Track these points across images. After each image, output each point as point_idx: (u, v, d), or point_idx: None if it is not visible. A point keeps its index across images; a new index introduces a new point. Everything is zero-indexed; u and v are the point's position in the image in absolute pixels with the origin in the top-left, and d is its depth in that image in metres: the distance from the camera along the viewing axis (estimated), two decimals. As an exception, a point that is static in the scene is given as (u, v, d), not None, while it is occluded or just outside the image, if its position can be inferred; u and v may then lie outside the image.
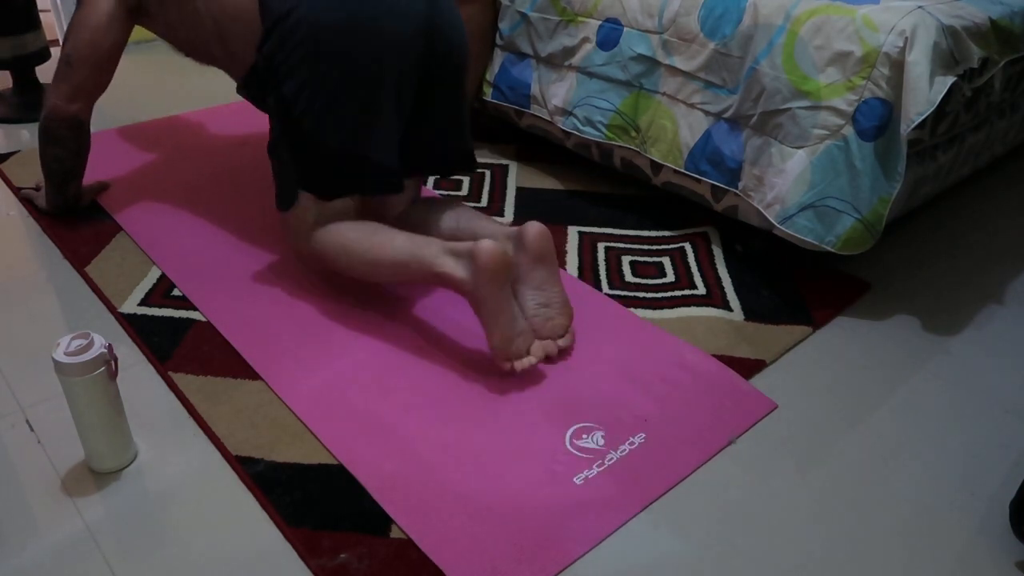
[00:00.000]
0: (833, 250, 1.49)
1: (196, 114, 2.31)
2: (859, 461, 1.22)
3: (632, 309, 1.52)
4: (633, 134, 1.78)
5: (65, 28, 2.16)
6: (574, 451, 1.20)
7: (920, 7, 1.42)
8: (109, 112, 2.30)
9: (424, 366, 1.35)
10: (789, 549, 1.07)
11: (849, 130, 1.44)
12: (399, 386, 1.30)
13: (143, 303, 1.47)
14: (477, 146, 2.16)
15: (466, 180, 1.98)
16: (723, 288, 1.60)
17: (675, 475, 1.17)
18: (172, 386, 1.28)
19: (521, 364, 1.29)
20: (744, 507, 1.13)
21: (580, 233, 1.78)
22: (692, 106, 1.67)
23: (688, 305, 1.54)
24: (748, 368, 1.39)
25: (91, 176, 1.89)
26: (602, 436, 1.22)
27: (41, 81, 2.33)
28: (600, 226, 1.81)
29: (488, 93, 2.06)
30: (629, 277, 1.63)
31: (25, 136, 2.16)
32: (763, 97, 1.53)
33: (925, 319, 1.57)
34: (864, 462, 1.22)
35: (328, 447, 1.17)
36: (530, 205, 1.88)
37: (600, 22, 1.79)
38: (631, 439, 1.22)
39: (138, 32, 1.63)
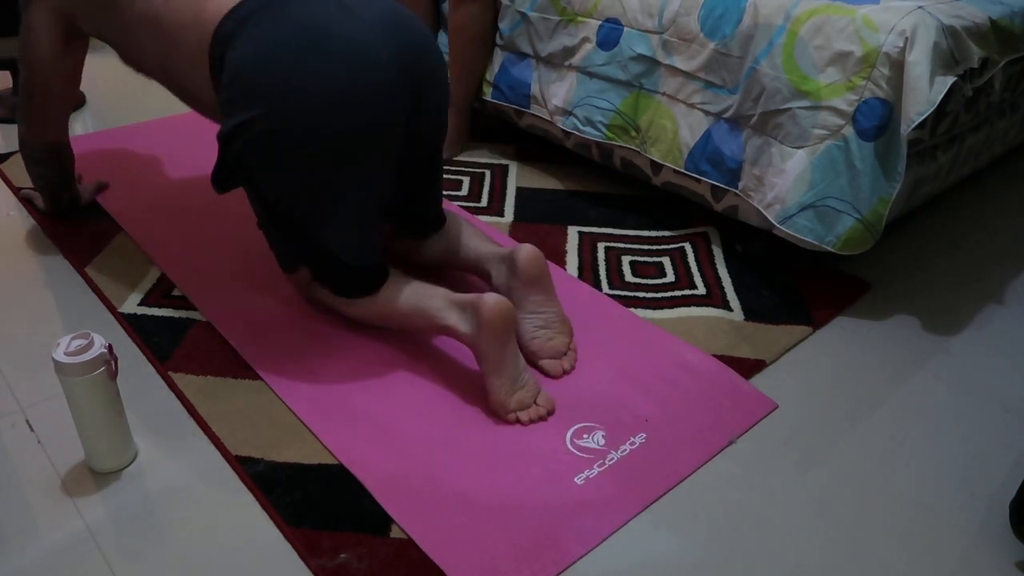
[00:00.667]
0: (833, 250, 1.49)
1: (196, 114, 2.31)
2: (859, 461, 1.22)
3: (632, 309, 1.52)
4: (633, 134, 1.78)
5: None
6: (575, 451, 1.20)
7: (920, 7, 1.42)
8: (109, 112, 2.30)
9: (425, 366, 1.35)
10: (789, 549, 1.07)
11: (849, 130, 1.44)
12: (399, 386, 1.30)
13: (143, 303, 1.47)
14: (477, 146, 2.16)
15: (466, 180, 1.98)
16: (723, 288, 1.60)
17: (675, 475, 1.17)
18: (172, 386, 1.28)
19: (528, 415, 1.24)
20: (744, 507, 1.13)
21: (580, 233, 1.78)
22: (692, 106, 1.67)
23: (688, 305, 1.54)
24: (748, 368, 1.39)
25: (91, 176, 1.89)
26: (603, 436, 1.22)
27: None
28: (600, 226, 1.81)
29: (488, 93, 2.06)
30: (629, 277, 1.63)
31: (25, 136, 2.16)
32: (763, 97, 1.53)
33: (925, 319, 1.57)
34: (864, 462, 1.22)
35: (328, 447, 1.17)
36: (530, 205, 1.88)
37: (600, 22, 1.79)
38: (632, 439, 1.22)
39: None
